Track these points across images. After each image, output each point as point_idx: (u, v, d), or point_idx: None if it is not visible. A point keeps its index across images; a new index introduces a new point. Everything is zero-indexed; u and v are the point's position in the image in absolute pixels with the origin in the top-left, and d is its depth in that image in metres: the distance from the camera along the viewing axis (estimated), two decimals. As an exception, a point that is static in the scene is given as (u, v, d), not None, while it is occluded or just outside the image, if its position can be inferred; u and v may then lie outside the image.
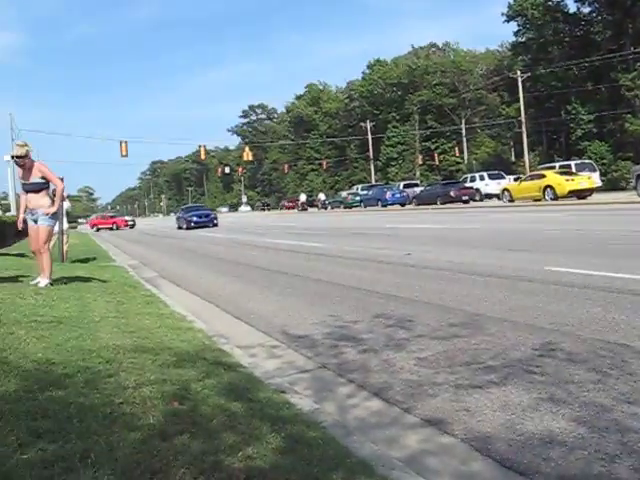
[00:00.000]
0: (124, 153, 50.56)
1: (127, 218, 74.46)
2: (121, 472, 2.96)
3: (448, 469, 3.56)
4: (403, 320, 7.26)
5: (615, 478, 3.25)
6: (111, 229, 65.44)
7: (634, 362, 4.97)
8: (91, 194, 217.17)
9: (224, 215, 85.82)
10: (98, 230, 64.72)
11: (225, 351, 5.90)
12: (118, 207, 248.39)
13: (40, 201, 9.70)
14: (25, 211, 9.90)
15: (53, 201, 9.90)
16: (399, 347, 6.11)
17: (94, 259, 19.46)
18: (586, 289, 8.00)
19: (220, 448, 3.29)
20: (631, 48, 56.32)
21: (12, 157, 9.82)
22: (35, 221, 9.76)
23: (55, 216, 10.13)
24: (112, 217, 74.21)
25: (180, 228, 45.32)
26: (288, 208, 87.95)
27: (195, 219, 43.82)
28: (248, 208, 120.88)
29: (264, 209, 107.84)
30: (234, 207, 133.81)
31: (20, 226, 10.24)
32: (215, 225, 42.97)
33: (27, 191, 9.73)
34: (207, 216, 44.87)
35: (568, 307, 7.10)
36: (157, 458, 3.12)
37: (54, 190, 9.97)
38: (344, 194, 67.00)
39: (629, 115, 55.71)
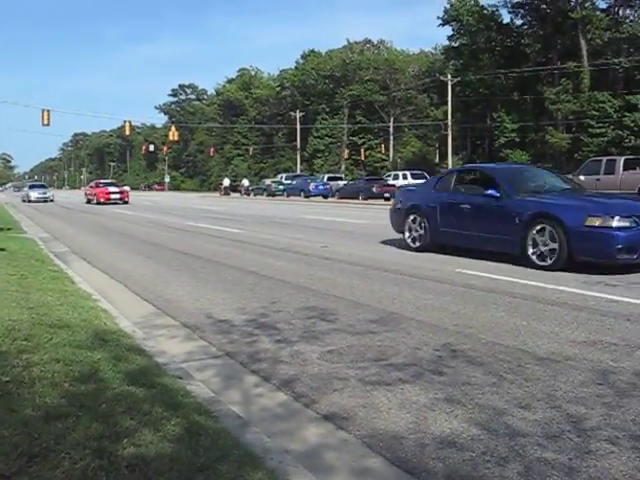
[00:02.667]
0: (46, 122, 48.63)
1: (112, 189, 47.31)
2: (-4, 455, 2.84)
3: (340, 465, 3.57)
4: (313, 313, 7.27)
5: (499, 481, 3.31)
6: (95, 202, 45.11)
7: (530, 367, 5.10)
8: (8, 162, 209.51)
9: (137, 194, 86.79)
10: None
11: (127, 333, 5.76)
12: (36, 177, 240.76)
13: None
14: None
15: None
16: (306, 340, 6.11)
17: (7, 229, 18.76)
18: (493, 293, 8.18)
19: (106, 434, 3.20)
20: (558, 63, 58.02)
21: None
22: None
23: None
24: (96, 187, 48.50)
25: None
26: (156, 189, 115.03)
27: None
28: (128, 188, 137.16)
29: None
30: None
31: None
32: None
33: None
34: None
35: (473, 310, 7.24)
36: (37, 442, 3.01)
37: None
38: (268, 182, 66.65)
39: (551, 127, 57.43)
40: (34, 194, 53.99)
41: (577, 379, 4.80)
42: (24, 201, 52.76)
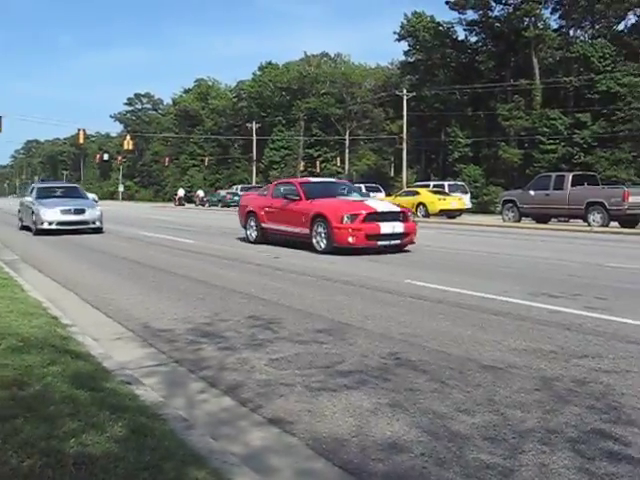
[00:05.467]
0: (-2, 129, 47.80)
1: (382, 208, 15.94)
2: (-58, 454, 2.88)
3: (284, 466, 3.66)
4: (263, 322, 7.35)
5: (436, 480, 3.45)
6: None
7: (472, 374, 5.26)
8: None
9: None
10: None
11: (76, 340, 5.78)
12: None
13: None
14: None
15: None
16: (255, 347, 6.19)
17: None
18: (440, 304, 8.37)
19: (54, 434, 3.26)
20: (511, 80, 59.17)
21: None
22: None
23: None
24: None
25: None
26: None
27: None
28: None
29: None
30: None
31: None
32: None
33: None
34: None
35: (420, 319, 7.41)
36: (-16, 441, 3.05)
37: None
38: (223, 193, 66.58)
39: (503, 143, 58.39)
40: (54, 213, 21.82)
41: (517, 385, 4.98)
42: (24, 227, 24.34)
